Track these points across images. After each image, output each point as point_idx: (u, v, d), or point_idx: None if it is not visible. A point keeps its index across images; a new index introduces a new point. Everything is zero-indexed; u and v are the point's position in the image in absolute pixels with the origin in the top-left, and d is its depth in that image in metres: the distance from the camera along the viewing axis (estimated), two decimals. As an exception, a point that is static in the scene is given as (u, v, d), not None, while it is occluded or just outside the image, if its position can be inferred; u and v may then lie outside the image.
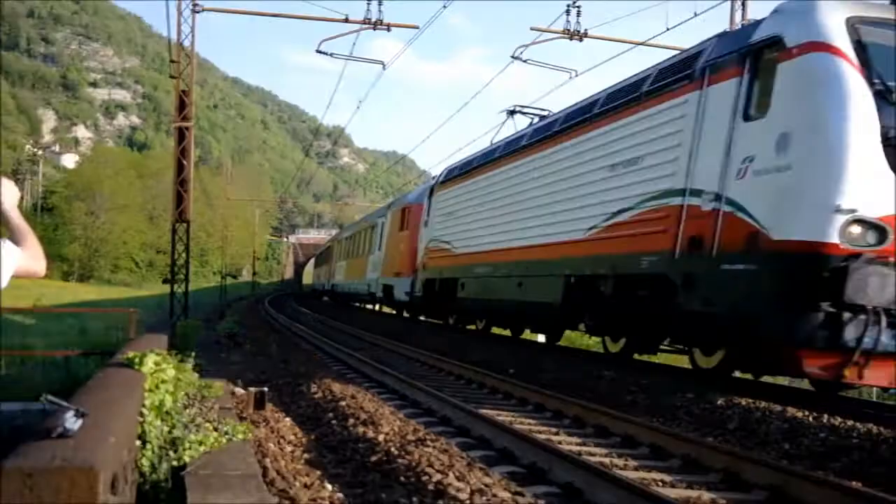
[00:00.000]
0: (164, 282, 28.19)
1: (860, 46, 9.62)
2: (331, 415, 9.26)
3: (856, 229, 9.25)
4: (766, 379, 13.02)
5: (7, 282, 3.17)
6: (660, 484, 6.48)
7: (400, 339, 21.20)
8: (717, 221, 10.77)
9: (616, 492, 5.86)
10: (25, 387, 13.57)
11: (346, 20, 24.62)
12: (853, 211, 9.16)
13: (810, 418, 8.61)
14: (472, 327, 25.51)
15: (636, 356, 15.52)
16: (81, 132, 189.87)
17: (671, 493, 6.03)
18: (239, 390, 9.40)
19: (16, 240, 3.24)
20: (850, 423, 8.11)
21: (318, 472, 6.21)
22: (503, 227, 19.15)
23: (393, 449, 7.02)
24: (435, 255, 24.90)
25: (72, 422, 3.93)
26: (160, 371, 6.23)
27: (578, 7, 24.34)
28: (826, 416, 8.64)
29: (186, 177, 24.37)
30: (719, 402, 9.83)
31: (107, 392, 5.55)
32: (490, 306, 20.98)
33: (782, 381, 14.92)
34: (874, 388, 14.87)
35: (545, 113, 21.03)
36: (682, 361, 15.72)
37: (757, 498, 6.37)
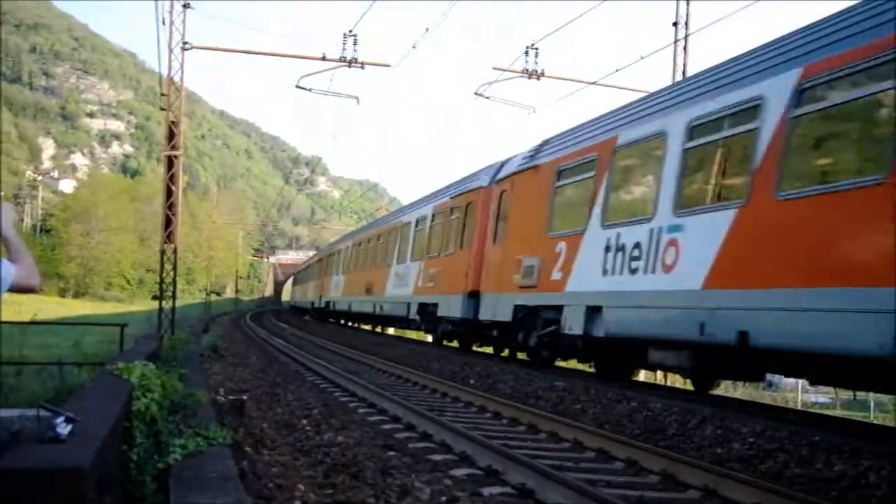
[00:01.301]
0: (154, 298, 27.85)
1: None
2: (304, 421, 9.21)
3: None
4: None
5: (3, 296, 3.14)
6: (604, 485, 6.50)
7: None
8: None
9: (564, 492, 5.88)
10: (23, 395, 13.37)
11: (324, 58, 24.69)
12: None
13: (740, 425, 8.67)
14: None
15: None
16: (79, 159, 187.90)
17: (614, 493, 6.05)
18: (220, 398, 9.33)
19: (13, 258, 3.22)
20: (770, 433, 8.17)
21: (292, 474, 6.17)
22: None
23: (361, 452, 6.99)
24: None
25: (63, 427, 3.90)
26: (147, 380, 6.18)
27: (536, 49, 24.60)
28: (754, 422, 8.71)
29: (175, 201, 24.24)
30: (659, 409, 9.89)
31: (97, 400, 5.50)
32: None
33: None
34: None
35: None
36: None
37: (692, 497, 6.41)
